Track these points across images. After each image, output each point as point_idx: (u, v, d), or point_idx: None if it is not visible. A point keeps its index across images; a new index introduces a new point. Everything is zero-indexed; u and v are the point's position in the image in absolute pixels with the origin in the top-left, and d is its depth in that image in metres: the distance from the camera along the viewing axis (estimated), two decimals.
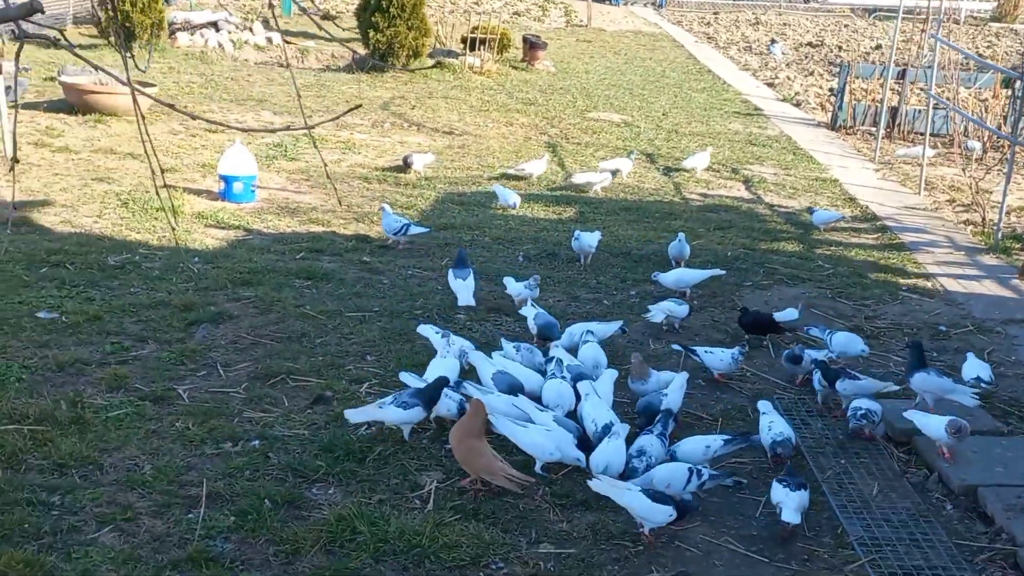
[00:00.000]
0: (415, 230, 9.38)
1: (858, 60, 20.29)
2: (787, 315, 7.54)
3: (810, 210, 10.95)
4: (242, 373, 6.69)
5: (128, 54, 3.69)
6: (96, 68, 3.23)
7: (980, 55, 24.07)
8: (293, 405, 6.28)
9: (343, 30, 23.09)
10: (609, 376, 6.37)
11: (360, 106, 3.58)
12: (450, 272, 8.10)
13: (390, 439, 5.84)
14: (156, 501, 5.12)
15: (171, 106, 3.34)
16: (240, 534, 4.88)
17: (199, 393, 6.37)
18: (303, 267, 8.68)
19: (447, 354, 6.59)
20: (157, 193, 9.42)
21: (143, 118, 3.47)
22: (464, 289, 7.95)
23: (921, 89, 16.64)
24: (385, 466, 5.58)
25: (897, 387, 6.61)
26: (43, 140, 12.27)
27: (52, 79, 15.25)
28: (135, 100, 3.20)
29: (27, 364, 6.52)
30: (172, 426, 5.90)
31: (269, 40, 21.54)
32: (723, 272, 8.63)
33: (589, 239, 9.01)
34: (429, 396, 5.81)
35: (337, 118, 3.24)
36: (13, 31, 2.97)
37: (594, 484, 5.17)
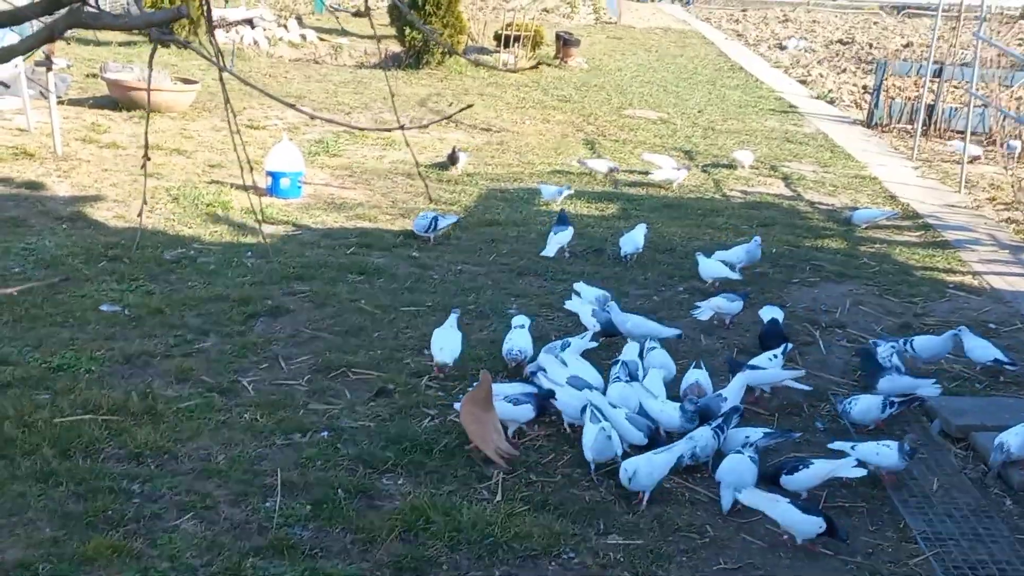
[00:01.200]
0: (444, 222, 9.46)
1: (893, 58, 20.27)
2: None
3: (851, 211, 10.97)
4: (303, 366, 6.81)
5: (215, 47, 3.78)
6: (210, 60, 3.32)
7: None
8: (356, 398, 6.39)
9: (376, 27, 23.26)
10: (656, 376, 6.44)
11: (472, 105, 3.66)
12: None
13: (454, 431, 5.94)
14: (233, 490, 5.24)
15: (292, 105, 3.44)
16: (317, 522, 5.00)
17: (264, 385, 6.49)
18: (354, 262, 8.79)
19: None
20: (247, 190, 9.55)
21: (233, 114, 3.56)
22: (553, 242, 9.09)
23: (955, 87, 16.65)
24: (452, 458, 5.68)
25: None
26: (90, 136, 12.44)
27: (94, 76, 15.43)
28: (224, 92, 3.29)
29: (95, 356, 6.65)
30: (241, 417, 6.02)
31: (303, 37, 21.73)
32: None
33: (635, 237, 9.06)
34: (543, 399, 5.93)
35: (448, 118, 3.33)
36: (149, 34, 3.06)
37: (743, 497, 5.23)
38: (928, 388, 6.59)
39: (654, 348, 6.73)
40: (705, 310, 7.80)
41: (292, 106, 3.23)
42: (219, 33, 20.46)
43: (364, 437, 5.86)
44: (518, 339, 6.83)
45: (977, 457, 6.08)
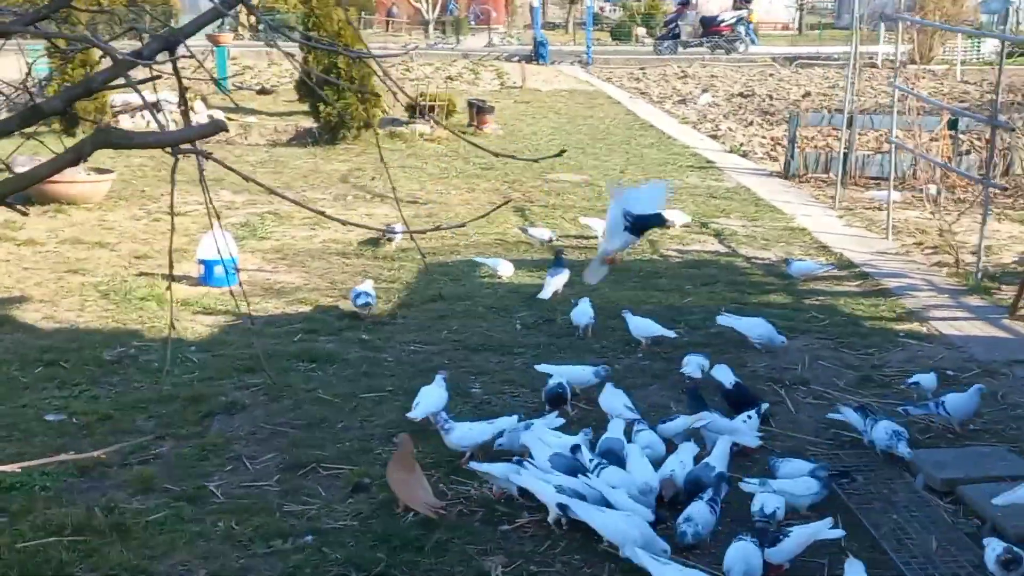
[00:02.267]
0: (364, 299, 9.28)
1: (807, 109, 20.71)
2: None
3: (786, 262, 11.06)
4: (270, 465, 6.54)
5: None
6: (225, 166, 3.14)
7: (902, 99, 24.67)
8: (332, 495, 6.13)
9: (283, 104, 23.08)
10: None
11: (509, 200, 3.52)
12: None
13: (443, 525, 5.72)
14: None
15: (298, 202, 3.25)
16: None
17: (232, 489, 6.20)
18: (303, 349, 8.54)
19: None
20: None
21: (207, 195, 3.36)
22: (550, 285, 9.81)
23: (860, 134, 17.00)
24: (445, 553, 5.46)
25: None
26: (5, 234, 12.00)
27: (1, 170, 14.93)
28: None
29: (48, 472, 6.28)
30: (215, 526, 5.72)
31: (211, 117, 21.43)
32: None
33: (585, 309, 8.96)
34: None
35: (488, 214, 3.18)
36: (172, 150, 2.88)
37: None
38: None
39: (642, 430, 6.57)
40: (695, 368, 7.72)
41: (295, 202, 3.05)
42: (125, 119, 20.07)
43: (349, 538, 5.60)
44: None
45: (968, 511, 6.04)
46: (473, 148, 17.83)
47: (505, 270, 10.58)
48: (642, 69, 34.95)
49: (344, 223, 3.64)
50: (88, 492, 6.09)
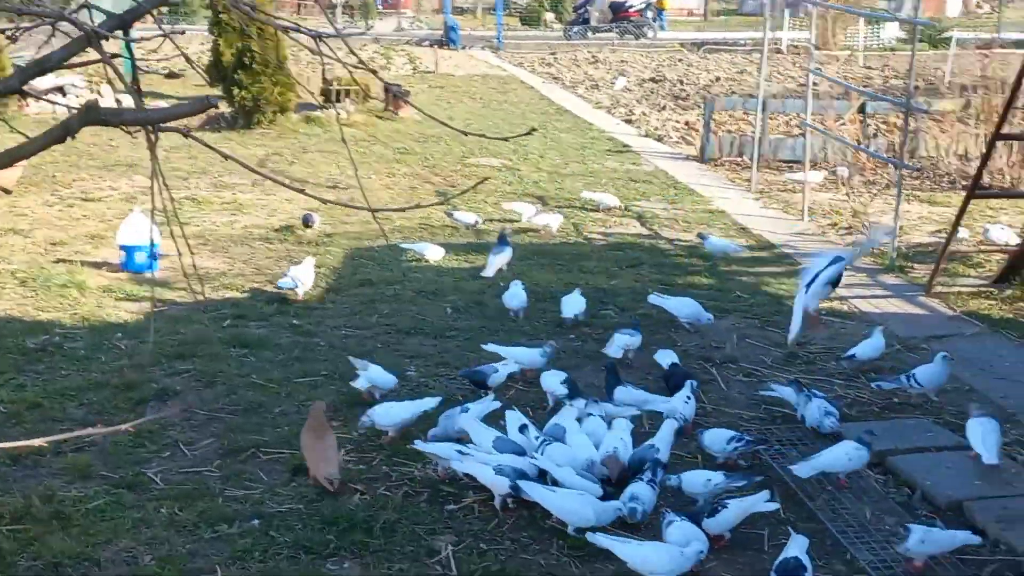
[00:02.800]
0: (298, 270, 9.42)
1: (720, 94, 21.00)
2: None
3: (700, 236, 11.21)
4: (209, 451, 6.47)
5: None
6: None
7: (815, 83, 25.17)
8: (274, 479, 6.10)
9: (193, 88, 22.68)
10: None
11: (535, 129, 3.52)
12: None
13: (389, 506, 5.73)
14: None
15: (301, 190, 3.23)
16: None
17: (171, 475, 6.13)
18: (234, 335, 8.45)
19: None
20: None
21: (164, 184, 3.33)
22: (493, 263, 9.96)
23: (771, 118, 17.34)
24: (394, 534, 5.47)
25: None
26: None
27: None
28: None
29: None
30: (158, 512, 5.65)
31: (119, 102, 20.94)
32: None
33: (518, 292, 9.00)
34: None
35: (474, 187, 3.19)
36: (150, 128, 2.84)
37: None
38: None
39: (591, 415, 6.60)
40: (616, 348, 7.85)
41: (301, 190, 3.04)
42: (30, 103, 19.55)
43: (296, 521, 5.58)
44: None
45: (898, 481, 6.24)
46: (391, 134, 17.75)
47: (433, 254, 10.57)
48: (553, 54, 35.08)
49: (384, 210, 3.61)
50: (23, 480, 5.97)
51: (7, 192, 3.15)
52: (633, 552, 5.06)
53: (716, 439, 6.37)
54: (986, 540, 5.55)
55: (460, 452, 5.96)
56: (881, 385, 7.40)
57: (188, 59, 3.68)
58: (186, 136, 3.16)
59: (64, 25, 3.74)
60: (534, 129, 4.59)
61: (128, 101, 20.69)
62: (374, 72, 3.66)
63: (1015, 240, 10.80)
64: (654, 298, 8.91)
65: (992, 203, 13.50)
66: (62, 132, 2.53)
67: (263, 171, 3.61)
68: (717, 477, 5.82)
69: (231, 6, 4.18)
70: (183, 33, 5.68)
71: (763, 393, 7.29)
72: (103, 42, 3.62)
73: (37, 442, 2.13)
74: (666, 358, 7.63)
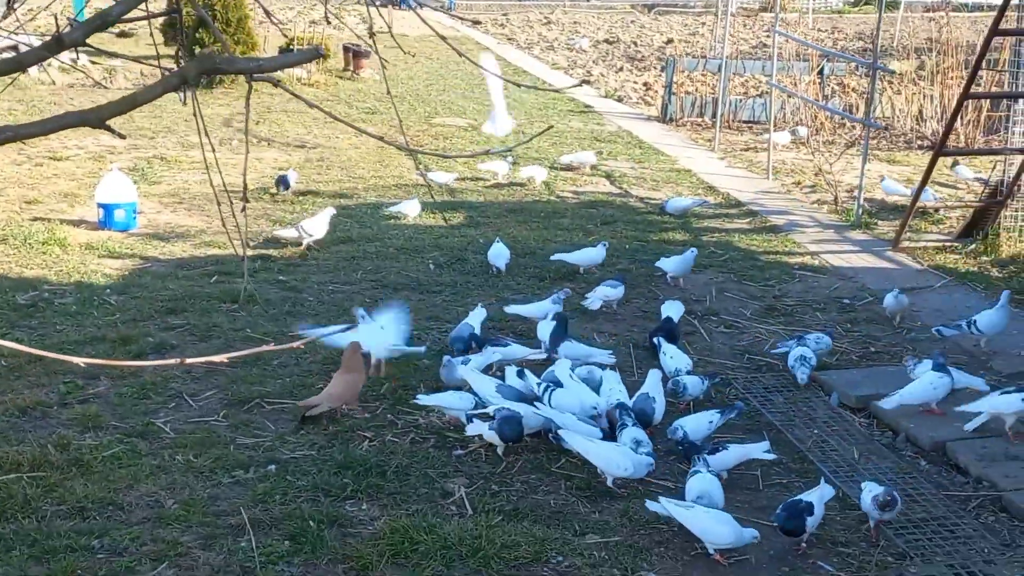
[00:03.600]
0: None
1: (678, 56, 21.18)
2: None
3: (664, 201, 11.49)
4: (213, 401, 6.60)
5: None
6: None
7: (765, 44, 25.48)
8: (281, 428, 6.25)
9: (148, 47, 22.42)
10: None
11: (552, 127, 3.67)
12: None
13: (399, 451, 5.91)
14: (200, 533, 5.06)
15: (382, 137, 3.37)
16: (301, 556, 4.89)
17: (180, 425, 6.26)
18: (223, 291, 8.54)
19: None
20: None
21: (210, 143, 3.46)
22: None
23: (730, 78, 17.58)
24: (408, 477, 5.66)
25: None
26: None
27: None
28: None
29: None
30: (174, 459, 5.79)
31: (74, 62, 20.68)
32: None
33: (502, 250, 9.18)
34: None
35: (531, 139, 3.35)
36: (248, 76, 2.97)
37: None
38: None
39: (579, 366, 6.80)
40: (594, 300, 8.06)
41: (382, 137, 3.18)
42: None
43: (311, 466, 5.75)
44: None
45: (881, 425, 6.53)
46: (354, 93, 17.71)
47: (411, 209, 10.71)
48: (504, 15, 35.04)
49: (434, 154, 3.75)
50: (36, 431, 6.06)
51: (122, 137, 3.18)
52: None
53: (693, 384, 6.60)
54: (968, 477, 5.86)
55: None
56: (941, 331, 7.60)
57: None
58: (275, 85, 3.28)
59: None
60: (585, 81, 4.69)
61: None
62: (285, 35, 3.79)
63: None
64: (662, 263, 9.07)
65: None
66: (179, 79, 2.65)
67: (338, 116, 3.74)
68: (714, 416, 6.07)
69: None
70: None
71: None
72: None
73: (219, 358, 2.26)
74: (668, 310, 7.76)
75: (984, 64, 10.83)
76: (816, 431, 6.42)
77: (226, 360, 2.28)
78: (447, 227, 10.53)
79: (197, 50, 17.69)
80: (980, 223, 10.24)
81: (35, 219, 10.41)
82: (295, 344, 3.08)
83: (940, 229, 10.95)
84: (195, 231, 10.29)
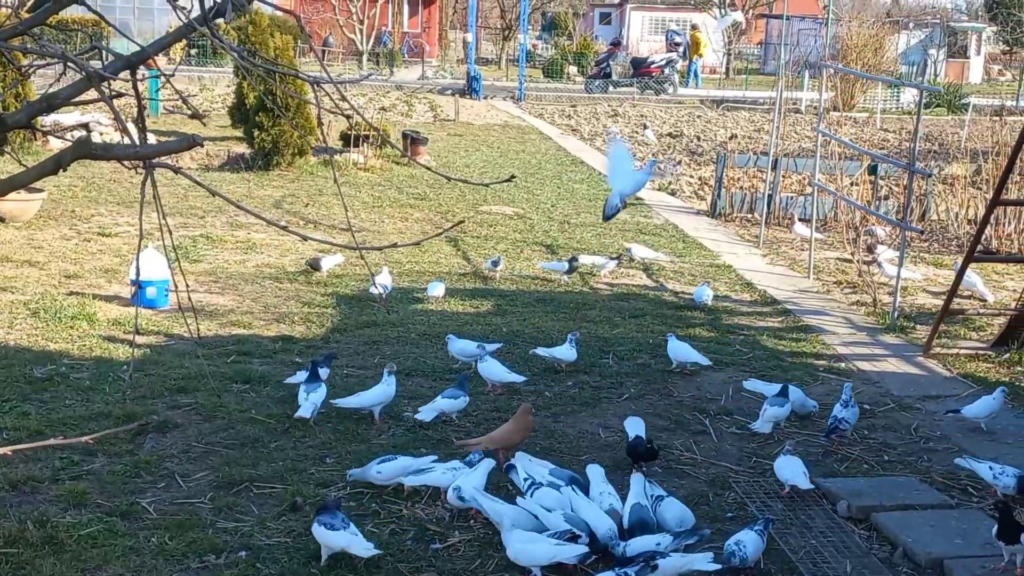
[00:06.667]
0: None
1: (733, 151, 21.18)
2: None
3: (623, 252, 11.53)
4: (203, 483, 6.59)
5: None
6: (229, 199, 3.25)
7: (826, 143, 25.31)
8: (265, 512, 6.21)
9: (216, 128, 23.00)
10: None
11: (514, 176, 3.68)
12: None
13: (374, 540, 5.82)
14: None
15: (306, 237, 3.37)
16: None
17: (165, 505, 6.25)
18: (237, 371, 8.59)
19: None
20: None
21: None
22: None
23: (785, 176, 17.49)
24: (378, 571, 5.56)
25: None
26: None
27: None
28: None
29: None
30: (148, 541, 5.76)
31: (135, 138, 21.29)
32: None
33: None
34: None
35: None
36: (145, 163, 3.00)
37: None
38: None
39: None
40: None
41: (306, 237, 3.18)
42: (53, 140, 19.90)
43: (283, 554, 5.68)
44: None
45: (881, 538, 6.30)
46: (406, 179, 17.98)
47: (436, 291, 10.80)
48: (573, 106, 35.41)
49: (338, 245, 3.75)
50: (21, 506, 6.10)
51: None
52: None
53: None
54: None
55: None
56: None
57: (184, 99, 3.81)
58: (176, 172, 3.31)
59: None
60: (513, 176, 4.74)
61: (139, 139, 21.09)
62: (348, 118, 3.80)
63: None
64: (749, 383, 8.60)
65: (998, 267, 13.60)
66: (54, 165, 2.68)
67: (246, 206, 3.76)
68: (665, 539, 5.79)
69: (232, 54, 4.34)
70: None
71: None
72: (115, 81, 3.80)
73: (3, 450, 2.25)
74: (632, 427, 7.22)
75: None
76: (812, 540, 6.20)
77: (10, 452, 2.25)
78: (469, 314, 10.51)
79: (255, 133, 18.15)
80: (1018, 331, 9.95)
81: (71, 293, 10.61)
82: (84, 438, 3.04)
83: (978, 336, 10.66)
84: (224, 310, 10.40)
